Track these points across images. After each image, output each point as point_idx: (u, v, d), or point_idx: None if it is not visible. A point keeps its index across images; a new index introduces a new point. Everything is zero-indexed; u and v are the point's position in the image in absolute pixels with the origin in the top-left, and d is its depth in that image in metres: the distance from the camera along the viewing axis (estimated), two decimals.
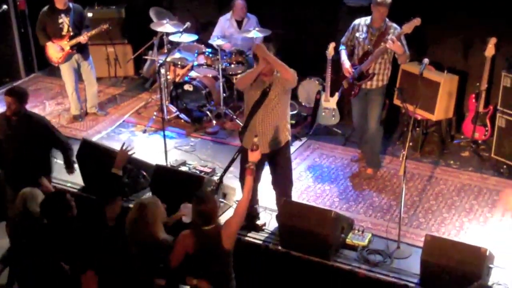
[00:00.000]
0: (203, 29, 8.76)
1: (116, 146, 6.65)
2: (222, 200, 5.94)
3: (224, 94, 7.94)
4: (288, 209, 5.55)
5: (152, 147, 7.29)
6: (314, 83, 7.94)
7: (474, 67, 7.13)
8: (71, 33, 7.64)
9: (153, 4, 8.57)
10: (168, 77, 8.07)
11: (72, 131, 7.69)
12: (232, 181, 6.13)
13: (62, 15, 7.63)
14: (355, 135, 7.16)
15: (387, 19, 6.21)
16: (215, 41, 7.84)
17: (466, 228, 5.84)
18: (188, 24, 7.72)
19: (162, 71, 7.57)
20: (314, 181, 6.69)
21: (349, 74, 6.38)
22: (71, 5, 7.70)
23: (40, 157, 5.97)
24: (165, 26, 7.80)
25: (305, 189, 6.53)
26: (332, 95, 7.38)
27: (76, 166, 6.33)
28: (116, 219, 4.85)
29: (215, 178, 6.17)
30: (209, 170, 6.62)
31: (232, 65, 7.85)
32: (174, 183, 5.92)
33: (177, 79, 8.07)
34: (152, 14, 8.32)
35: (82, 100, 8.22)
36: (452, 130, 7.40)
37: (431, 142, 7.35)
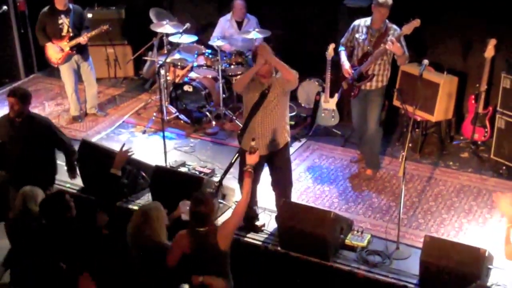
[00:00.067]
0: (203, 30, 8.76)
1: (115, 147, 6.66)
2: (222, 201, 5.94)
3: (224, 95, 7.94)
4: (287, 210, 5.55)
5: (152, 148, 7.29)
6: (314, 84, 7.94)
7: (474, 68, 7.14)
8: (71, 34, 7.65)
9: (153, 5, 8.57)
10: (168, 78, 8.07)
11: (71, 132, 7.69)
12: (231, 182, 6.13)
13: (62, 15, 7.63)
14: (354, 136, 7.16)
15: (386, 20, 6.21)
16: (215, 42, 7.84)
17: (465, 229, 5.84)
18: (188, 25, 7.71)
19: (162, 72, 7.57)
20: (313, 182, 6.69)
21: (349, 75, 6.39)
22: (71, 6, 7.71)
23: (44, 158, 5.96)
24: (165, 27, 7.81)
25: (305, 190, 6.53)
26: (331, 96, 7.38)
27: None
28: (111, 226, 4.85)
29: (215, 179, 6.18)
30: (208, 171, 6.62)
31: (232, 66, 7.85)
32: (173, 184, 5.92)
33: (176, 80, 8.07)
34: (152, 15, 8.32)
35: (81, 101, 8.22)
36: (451, 131, 7.40)
37: (431, 143, 7.35)
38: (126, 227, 4.55)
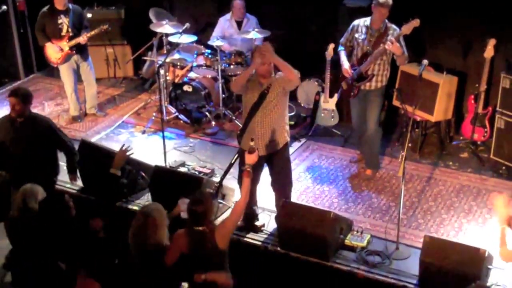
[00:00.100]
0: (203, 30, 8.76)
1: (115, 147, 6.66)
2: (221, 201, 5.94)
3: (223, 95, 7.94)
4: (287, 210, 5.55)
5: (151, 148, 7.29)
6: (313, 84, 7.94)
7: (473, 68, 7.14)
8: (70, 34, 7.64)
9: (152, 4, 8.56)
10: (168, 78, 8.07)
11: (71, 132, 7.68)
12: (231, 182, 6.13)
13: (62, 15, 7.63)
14: (354, 136, 7.16)
15: (386, 20, 6.21)
16: (214, 42, 7.84)
17: (465, 229, 5.84)
18: (187, 25, 7.72)
19: (162, 72, 7.56)
20: (313, 182, 6.69)
21: (348, 75, 6.38)
22: (70, 5, 7.71)
23: (45, 159, 5.95)
24: (165, 27, 7.80)
25: (304, 190, 6.53)
26: (331, 96, 7.38)
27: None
28: (111, 227, 4.85)
29: (214, 179, 6.18)
30: (208, 171, 6.62)
31: (232, 66, 7.85)
32: (173, 184, 5.92)
33: (176, 80, 8.07)
34: (151, 14, 8.32)
35: (81, 101, 8.22)
36: (451, 131, 7.40)
37: (430, 143, 7.35)
38: (127, 230, 4.54)
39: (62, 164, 6.26)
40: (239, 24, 8.19)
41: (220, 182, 5.76)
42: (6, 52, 9.37)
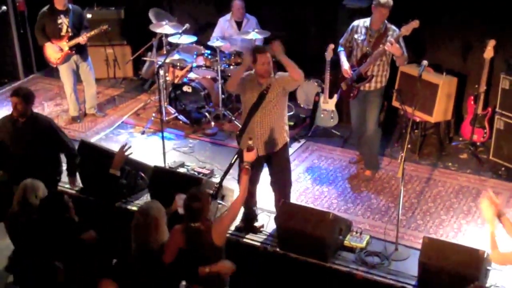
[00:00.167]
0: (202, 31, 8.76)
1: (114, 147, 6.66)
2: (221, 202, 5.93)
3: (223, 96, 7.94)
4: (286, 210, 5.55)
5: (151, 149, 7.29)
6: (313, 85, 7.94)
7: (473, 69, 7.14)
8: (70, 34, 7.64)
9: (152, 5, 8.57)
10: (167, 78, 8.07)
11: (70, 132, 7.67)
12: (231, 182, 6.13)
13: (61, 15, 7.63)
14: (353, 136, 7.16)
15: (386, 21, 6.21)
16: (214, 42, 7.84)
17: (464, 230, 5.84)
18: (187, 25, 7.72)
19: (161, 72, 7.57)
20: (312, 183, 6.69)
21: (348, 75, 6.38)
22: (70, 6, 7.71)
23: (47, 159, 5.94)
24: (164, 28, 7.80)
25: (304, 191, 6.53)
26: (330, 96, 7.38)
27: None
28: (110, 227, 4.85)
29: (214, 180, 6.18)
30: (207, 172, 6.63)
31: (231, 67, 7.84)
32: (172, 185, 5.90)
33: (176, 81, 8.07)
34: (151, 15, 8.32)
35: (80, 101, 8.22)
36: (450, 132, 7.40)
37: (430, 144, 7.35)
38: (126, 230, 4.54)
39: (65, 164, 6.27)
40: (239, 24, 8.19)
41: (220, 183, 5.76)
42: (5, 53, 9.37)
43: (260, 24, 8.17)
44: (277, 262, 5.57)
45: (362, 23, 6.36)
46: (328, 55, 7.06)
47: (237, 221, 5.90)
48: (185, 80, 7.99)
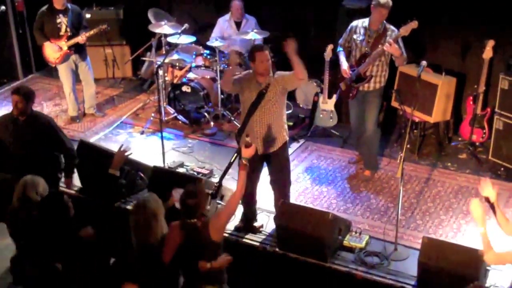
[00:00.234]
0: (201, 31, 8.75)
1: (113, 147, 6.66)
2: (220, 202, 5.94)
3: (222, 96, 7.94)
4: (285, 211, 5.55)
5: (150, 149, 7.29)
6: (312, 85, 7.94)
7: (472, 70, 7.14)
8: (69, 34, 7.64)
9: (151, 5, 8.56)
10: (166, 78, 8.07)
11: (69, 132, 7.67)
12: (230, 182, 6.13)
13: (60, 15, 7.62)
14: (352, 137, 7.16)
15: (384, 21, 6.22)
16: (213, 42, 7.84)
17: (464, 230, 5.84)
18: (186, 25, 7.72)
19: (160, 72, 7.57)
20: (311, 183, 6.69)
21: (347, 75, 6.39)
22: (69, 5, 7.71)
23: (48, 157, 5.94)
24: (163, 28, 7.80)
25: (303, 191, 6.53)
26: (330, 97, 7.38)
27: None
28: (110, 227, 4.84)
29: (213, 180, 6.17)
30: (207, 172, 6.63)
31: (230, 67, 7.82)
32: (171, 185, 5.88)
33: (175, 81, 8.07)
34: (150, 15, 8.31)
35: (79, 101, 8.22)
36: (449, 132, 7.41)
37: (429, 144, 7.35)
38: (126, 230, 4.53)
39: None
40: (238, 24, 8.20)
41: (220, 182, 5.75)
42: (4, 53, 9.36)
43: (259, 24, 8.17)
44: (277, 262, 5.57)
45: (361, 23, 6.36)
46: (327, 55, 7.06)
47: (237, 221, 5.91)
48: (184, 80, 7.99)
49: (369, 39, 6.28)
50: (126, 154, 5.25)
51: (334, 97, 7.32)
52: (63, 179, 6.27)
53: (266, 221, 5.93)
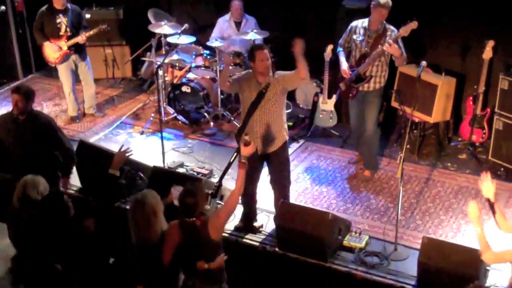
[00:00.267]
0: (201, 31, 8.75)
1: (113, 147, 6.66)
2: (220, 202, 5.93)
3: (222, 96, 7.94)
4: (285, 211, 5.55)
5: (150, 149, 7.29)
6: (312, 85, 7.93)
7: (472, 70, 7.14)
8: (69, 34, 7.64)
9: (151, 5, 8.56)
10: (166, 78, 8.07)
11: (69, 132, 7.67)
12: (229, 182, 6.13)
13: (60, 15, 7.62)
14: (352, 137, 7.16)
15: (384, 21, 6.22)
16: (213, 42, 7.84)
17: (463, 230, 5.84)
18: (186, 25, 7.72)
19: (160, 72, 7.56)
20: (311, 183, 6.69)
21: (347, 76, 6.39)
22: (69, 5, 7.71)
23: (48, 157, 5.93)
24: (163, 28, 7.80)
25: (303, 191, 6.53)
26: (329, 97, 7.38)
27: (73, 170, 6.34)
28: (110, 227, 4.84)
29: (213, 180, 6.17)
30: (206, 172, 6.63)
31: (230, 67, 7.82)
32: (171, 185, 5.90)
33: (175, 81, 8.07)
34: (150, 15, 8.31)
35: (79, 101, 8.22)
36: (449, 132, 7.41)
37: (429, 144, 7.35)
38: (125, 230, 4.53)
39: None
40: (238, 25, 8.20)
41: (220, 182, 5.76)
42: (4, 53, 9.36)
43: (259, 24, 8.17)
44: (276, 262, 5.57)
45: (360, 23, 6.37)
46: (327, 55, 7.05)
47: (236, 221, 5.91)
48: (184, 80, 7.99)
49: (369, 39, 6.28)
50: (126, 154, 5.24)
51: (334, 97, 7.32)
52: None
53: (266, 221, 5.93)
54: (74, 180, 6.46)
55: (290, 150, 6.92)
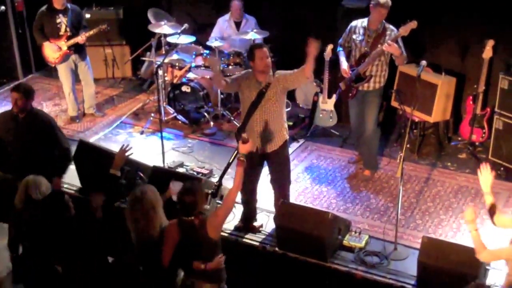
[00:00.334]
0: (201, 31, 8.76)
1: (113, 147, 6.66)
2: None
3: (222, 96, 7.94)
4: (285, 210, 5.55)
5: (150, 149, 7.29)
6: (312, 85, 7.93)
7: (472, 69, 7.15)
8: (69, 33, 7.64)
9: (151, 5, 8.57)
10: (166, 78, 8.07)
11: (69, 132, 7.68)
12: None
13: (60, 15, 7.62)
14: (352, 136, 7.16)
15: (384, 21, 6.22)
16: (213, 42, 7.84)
17: (463, 230, 5.84)
18: (186, 25, 7.73)
19: (160, 72, 7.56)
20: (311, 183, 6.69)
21: (347, 75, 6.39)
22: (69, 5, 7.71)
23: (48, 156, 5.93)
24: (163, 28, 7.81)
25: (303, 191, 6.53)
26: (329, 96, 7.38)
27: (72, 167, 6.33)
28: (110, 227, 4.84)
29: (213, 180, 6.17)
30: (206, 172, 6.63)
31: (230, 67, 7.84)
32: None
33: (174, 81, 8.07)
34: (150, 15, 8.32)
35: (79, 101, 8.22)
36: (449, 132, 7.41)
37: (429, 144, 7.35)
38: (125, 230, 4.53)
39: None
40: (238, 24, 8.20)
41: (220, 182, 5.75)
42: (4, 53, 9.37)
43: (259, 24, 8.17)
44: (276, 262, 5.57)
45: (360, 23, 6.37)
46: (327, 55, 7.05)
47: (236, 221, 5.91)
48: (184, 80, 7.99)
49: (369, 39, 6.28)
50: (127, 154, 5.24)
51: (334, 97, 7.32)
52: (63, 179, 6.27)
53: (265, 220, 5.93)
54: (74, 180, 6.46)
55: (290, 150, 6.92)
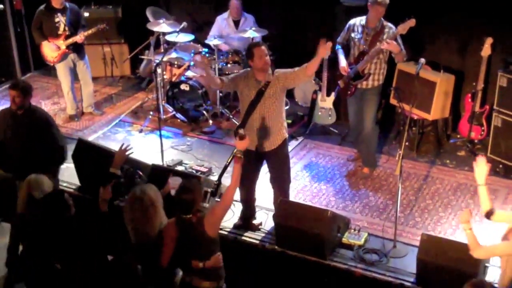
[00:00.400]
0: (200, 29, 8.76)
1: (112, 145, 6.66)
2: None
3: (221, 94, 7.94)
4: (284, 208, 5.56)
5: (149, 147, 7.29)
6: (311, 83, 7.92)
7: (470, 67, 7.15)
8: (67, 33, 7.64)
9: (149, 3, 8.56)
10: (165, 76, 8.07)
11: (68, 131, 7.68)
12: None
13: (59, 14, 7.62)
14: (351, 134, 7.17)
15: (382, 19, 6.22)
16: (211, 40, 7.84)
17: (462, 227, 5.83)
18: (184, 24, 7.72)
19: (159, 70, 7.56)
20: (310, 181, 6.69)
21: (346, 73, 6.39)
22: (67, 4, 7.70)
23: (47, 154, 5.92)
24: (162, 26, 7.80)
25: (302, 189, 6.53)
26: (328, 94, 7.39)
27: (71, 166, 6.33)
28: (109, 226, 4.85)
29: (212, 178, 6.17)
30: (205, 170, 6.63)
31: (229, 65, 7.85)
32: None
33: (173, 79, 8.07)
34: (148, 13, 8.32)
35: (78, 100, 8.21)
36: (448, 129, 7.41)
37: (427, 141, 7.36)
38: (125, 229, 4.52)
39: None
40: (236, 23, 8.19)
41: (219, 180, 5.76)
42: (3, 51, 9.36)
43: (258, 22, 8.16)
44: (275, 259, 5.57)
45: (358, 21, 6.37)
46: (326, 53, 7.04)
47: (235, 219, 5.91)
48: (182, 78, 7.99)
49: (367, 37, 6.29)
50: (127, 153, 5.24)
51: (333, 95, 7.33)
52: (59, 177, 6.27)
53: (265, 218, 5.94)
54: (73, 178, 6.46)
55: (289, 148, 6.91)
